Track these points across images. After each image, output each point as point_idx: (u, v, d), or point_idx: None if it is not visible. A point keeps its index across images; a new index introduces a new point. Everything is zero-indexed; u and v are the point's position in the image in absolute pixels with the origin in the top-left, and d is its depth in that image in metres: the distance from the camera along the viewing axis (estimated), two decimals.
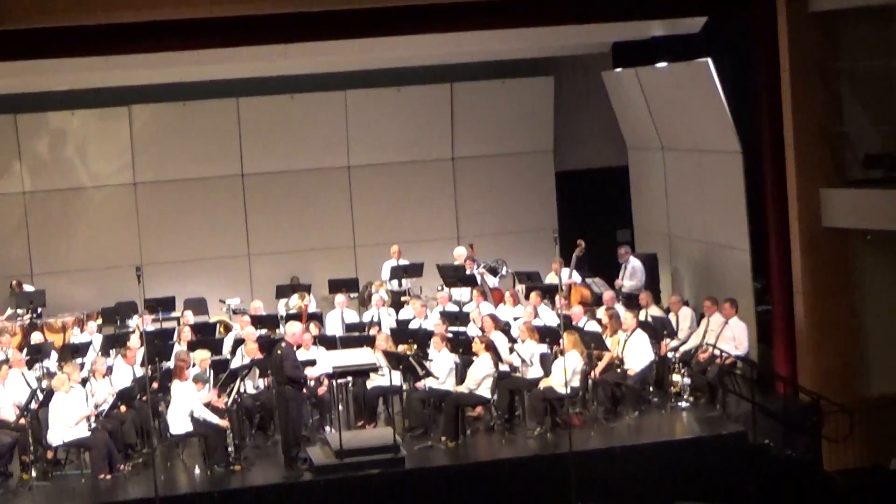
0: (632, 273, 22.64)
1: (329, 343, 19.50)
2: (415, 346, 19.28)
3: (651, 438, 17.95)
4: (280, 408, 17.32)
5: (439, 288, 22.44)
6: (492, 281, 23.09)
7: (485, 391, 18.09)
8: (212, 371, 18.37)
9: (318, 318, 21.21)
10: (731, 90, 20.45)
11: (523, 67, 25.84)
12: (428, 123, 25.61)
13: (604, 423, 18.29)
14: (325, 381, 18.41)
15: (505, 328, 19.65)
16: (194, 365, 17.92)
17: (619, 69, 24.48)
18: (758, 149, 19.90)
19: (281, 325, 21.07)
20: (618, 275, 22.87)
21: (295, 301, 22.47)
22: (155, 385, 18.06)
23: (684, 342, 19.70)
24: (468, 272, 22.82)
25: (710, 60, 20.41)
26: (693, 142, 22.23)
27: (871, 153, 18.77)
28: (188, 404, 17.24)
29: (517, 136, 25.91)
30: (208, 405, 17.42)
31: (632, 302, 21.18)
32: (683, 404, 18.98)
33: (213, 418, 17.18)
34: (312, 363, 18.25)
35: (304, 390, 17.57)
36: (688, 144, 22.53)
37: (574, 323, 19.57)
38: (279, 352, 17.05)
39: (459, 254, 23.48)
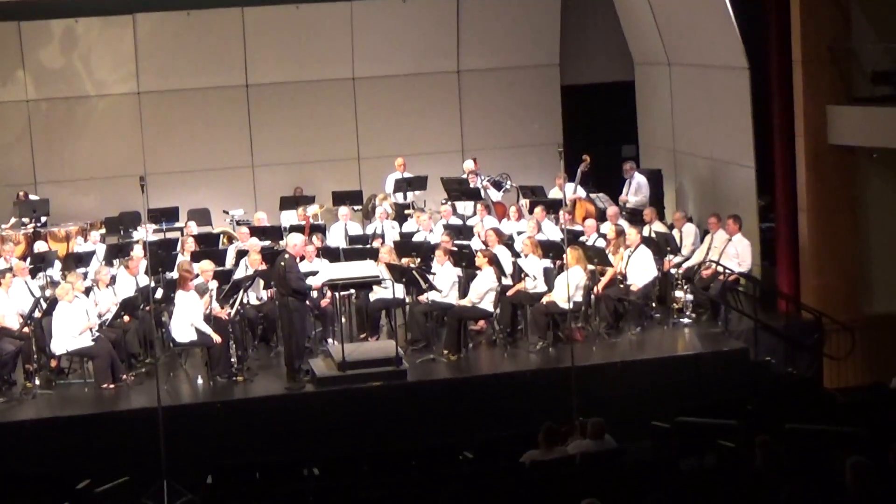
0: (636, 189, 22.59)
1: (332, 255, 19.49)
2: (418, 260, 19.28)
3: (653, 354, 18.01)
4: (283, 319, 17.35)
5: (443, 201, 22.39)
6: (495, 195, 23.02)
7: (487, 305, 18.11)
8: (215, 282, 18.37)
9: (321, 230, 21.19)
10: (739, 5, 20.26)
11: None
12: (434, 35, 25.45)
13: (606, 338, 18.34)
14: (329, 294, 18.41)
15: (508, 242, 19.64)
16: (198, 276, 17.93)
17: None
18: (765, 65, 19.80)
19: (284, 237, 21.07)
20: (622, 190, 22.83)
21: (313, 209, 22.47)
22: (159, 295, 18.08)
23: (688, 258, 19.70)
24: (471, 186, 22.77)
25: None
26: (700, 57, 22.09)
27: (878, 70, 18.65)
28: (190, 314, 17.28)
29: (523, 49, 25.76)
30: (209, 317, 17.47)
31: (635, 218, 21.15)
32: (685, 320, 19.01)
33: (209, 331, 17.23)
34: (315, 275, 18.23)
35: (308, 302, 17.57)
36: (695, 60, 22.38)
37: (584, 238, 19.57)
38: (282, 263, 17.04)
39: (468, 167, 23.41)
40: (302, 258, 17.90)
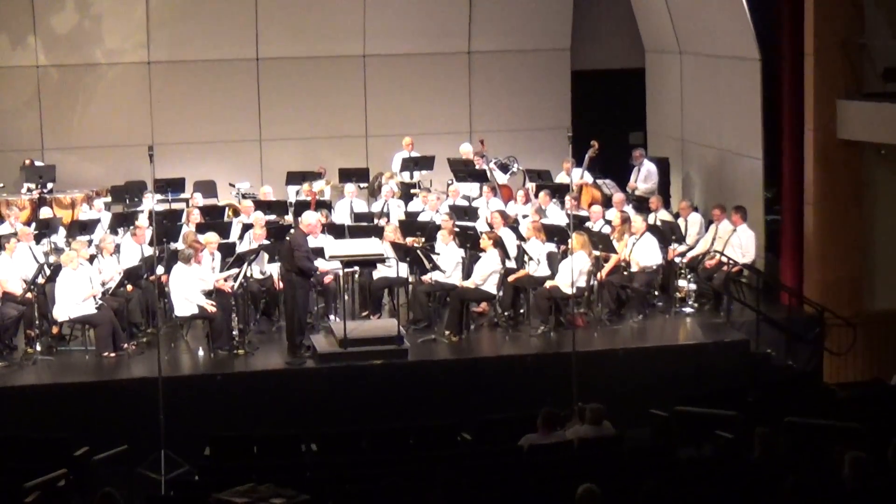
0: (646, 176, 22.58)
1: (337, 231, 19.49)
2: (422, 239, 19.28)
3: (654, 342, 18.05)
4: (287, 294, 17.36)
5: (450, 182, 22.39)
6: (501, 177, 23.01)
7: (491, 287, 18.12)
8: (219, 254, 18.39)
9: (327, 206, 21.19)
10: None
11: None
12: (446, 16, 25.40)
13: (607, 324, 18.35)
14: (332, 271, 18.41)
15: (513, 225, 19.64)
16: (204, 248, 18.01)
17: None
18: (776, 57, 19.78)
19: (289, 212, 21.09)
20: (629, 177, 22.82)
21: (320, 185, 22.47)
22: (161, 269, 18.08)
23: (692, 248, 19.69)
24: (477, 167, 22.78)
25: None
26: (712, 47, 22.06)
27: (890, 66, 18.60)
28: (188, 287, 17.31)
29: (535, 32, 25.72)
30: (210, 293, 17.52)
31: (641, 205, 21.15)
32: (688, 310, 19.03)
33: (205, 304, 17.25)
34: (320, 252, 18.20)
35: (311, 279, 17.57)
36: (706, 49, 22.36)
37: (590, 224, 19.57)
38: (289, 238, 17.04)
39: (465, 150, 23.40)
40: (308, 235, 17.80)
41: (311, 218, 17.55)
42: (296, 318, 17.06)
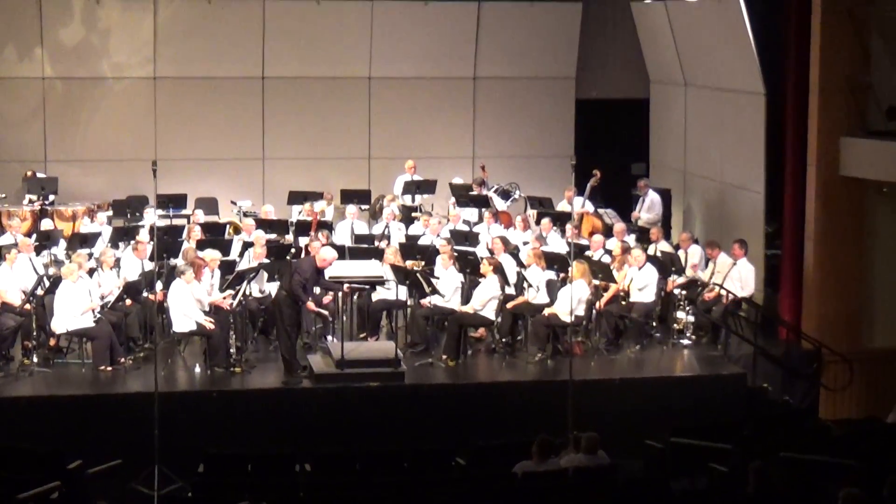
0: (650, 206, 22.60)
1: (338, 253, 19.44)
2: (422, 263, 19.29)
3: (651, 373, 18.05)
4: (276, 312, 17.31)
5: (452, 206, 22.43)
6: (500, 204, 23.04)
7: (489, 313, 18.12)
8: (219, 272, 18.39)
9: (327, 227, 21.21)
10: (759, 31, 20.31)
11: None
12: (452, 40, 25.46)
13: (605, 354, 18.35)
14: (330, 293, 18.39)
15: (514, 252, 19.65)
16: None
17: (648, 0, 24.31)
18: (782, 92, 19.81)
19: (290, 231, 21.10)
20: (631, 207, 22.86)
21: (321, 206, 22.47)
22: (160, 285, 18.07)
23: (691, 279, 19.69)
24: (474, 192, 22.83)
25: None
26: (717, 80, 22.12)
27: (894, 105, 18.64)
28: (186, 303, 17.31)
29: (540, 60, 25.77)
30: (208, 311, 17.52)
31: (642, 236, 21.16)
32: (685, 342, 19.02)
33: (203, 321, 17.28)
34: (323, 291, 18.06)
35: (311, 298, 17.52)
36: (711, 82, 22.42)
37: (591, 254, 19.58)
38: (295, 262, 17.02)
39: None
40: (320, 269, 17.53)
41: (329, 254, 17.28)
42: (288, 334, 17.01)
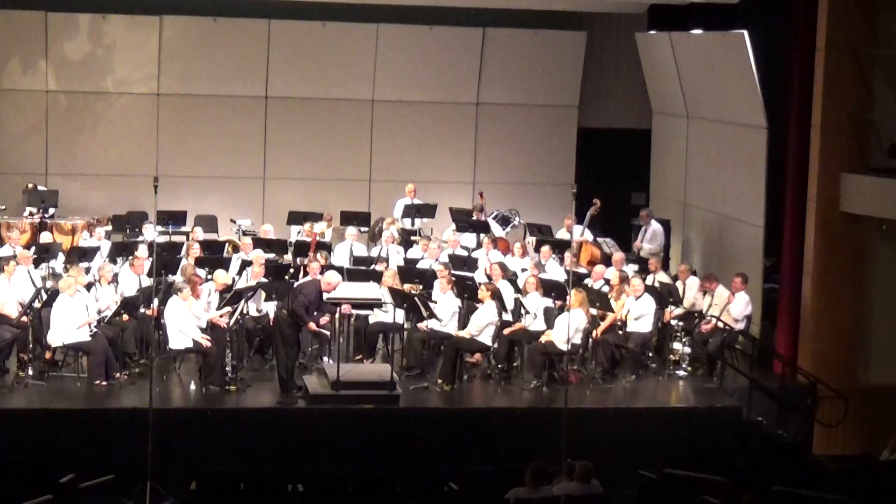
0: (652, 237, 22.59)
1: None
2: (420, 286, 19.29)
3: (646, 403, 18.04)
4: (276, 332, 17.30)
5: (453, 231, 22.45)
6: (498, 230, 23.06)
7: (486, 338, 18.11)
8: (217, 291, 18.38)
9: (326, 248, 21.21)
10: (763, 65, 20.36)
11: (557, 19, 25.72)
12: (456, 66, 25.52)
13: (600, 382, 18.32)
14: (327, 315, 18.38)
15: (512, 278, 19.65)
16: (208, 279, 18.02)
17: (653, 31, 24.40)
18: (784, 127, 19.86)
19: (289, 251, 21.10)
20: (631, 237, 22.88)
21: (320, 227, 22.45)
22: (156, 301, 18.05)
23: (689, 311, 19.69)
24: (474, 218, 22.84)
25: (745, 33, 20.32)
26: (719, 113, 22.16)
27: None
28: (183, 319, 17.31)
29: (544, 87, 25.83)
30: (205, 328, 17.52)
31: (640, 266, 21.16)
32: (681, 373, 19.00)
33: (200, 339, 17.27)
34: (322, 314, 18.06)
35: (308, 318, 17.51)
36: (714, 115, 22.46)
37: (590, 282, 19.59)
38: (301, 283, 17.03)
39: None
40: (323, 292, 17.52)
41: (334, 278, 17.30)
42: (287, 355, 17.02)
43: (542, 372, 17.99)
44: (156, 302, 17.79)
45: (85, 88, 24.64)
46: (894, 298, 19.18)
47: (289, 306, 16.97)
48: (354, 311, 18.37)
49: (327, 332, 18.03)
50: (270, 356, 18.49)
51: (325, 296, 17.22)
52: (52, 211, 22.82)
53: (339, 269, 19.69)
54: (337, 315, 18.18)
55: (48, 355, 17.69)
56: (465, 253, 21.41)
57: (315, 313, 17.39)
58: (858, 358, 19.10)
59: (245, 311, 18.03)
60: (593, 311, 18.46)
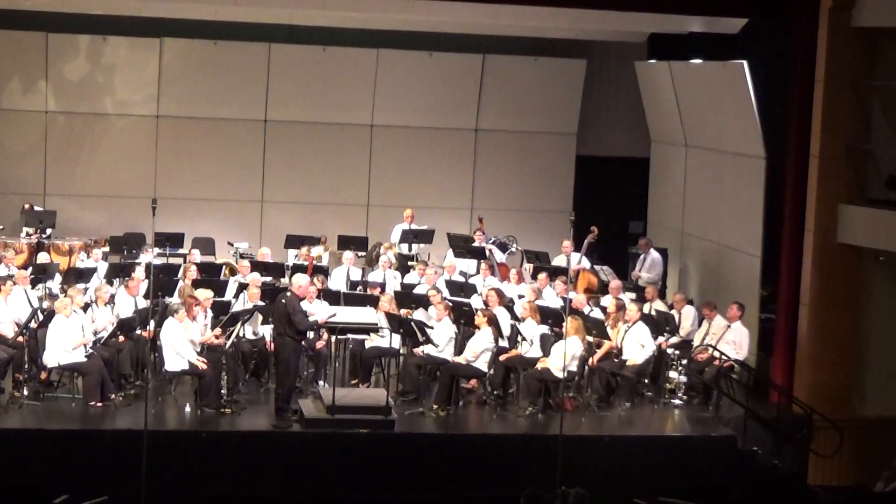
0: (650, 265, 22.60)
1: (332, 298, 19.49)
2: (417, 312, 19.29)
3: (641, 431, 18.03)
4: (279, 357, 17.29)
5: (449, 256, 22.48)
6: (499, 256, 23.07)
7: (482, 364, 18.11)
8: (211, 312, 18.37)
9: (323, 271, 21.21)
10: (762, 95, 20.39)
11: (557, 47, 25.76)
12: (456, 92, 25.57)
13: (596, 410, 18.31)
14: (325, 336, 18.39)
15: (509, 305, 19.65)
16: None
17: (652, 61, 24.46)
18: (782, 157, 19.86)
19: (286, 274, 21.10)
20: (630, 265, 22.90)
21: (317, 251, 22.47)
22: (152, 323, 18.04)
23: (685, 340, 19.69)
24: (475, 244, 22.85)
25: (745, 63, 20.37)
26: (718, 142, 22.19)
27: (894, 174, 18.71)
28: (180, 341, 17.30)
29: (543, 115, 25.87)
30: (201, 348, 17.50)
31: (637, 294, 21.16)
32: (677, 402, 19.01)
33: (196, 361, 17.26)
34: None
35: (303, 343, 17.53)
36: (712, 144, 22.49)
37: (577, 309, 19.57)
38: (283, 301, 17.02)
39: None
40: (303, 298, 17.78)
41: (302, 280, 17.42)
42: (286, 382, 17.03)
43: (537, 399, 17.98)
44: (152, 323, 17.79)
45: (84, 109, 24.67)
46: (891, 330, 19.16)
47: (286, 329, 16.92)
48: (351, 336, 18.37)
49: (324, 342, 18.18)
50: (266, 379, 18.49)
51: (319, 318, 17.31)
52: (49, 231, 22.81)
53: (336, 294, 19.74)
54: (332, 339, 18.17)
55: (44, 376, 17.66)
56: (462, 279, 21.41)
57: (311, 336, 17.45)
58: (854, 389, 19.07)
59: (241, 334, 18.02)
60: (589, 339, 18.45)
